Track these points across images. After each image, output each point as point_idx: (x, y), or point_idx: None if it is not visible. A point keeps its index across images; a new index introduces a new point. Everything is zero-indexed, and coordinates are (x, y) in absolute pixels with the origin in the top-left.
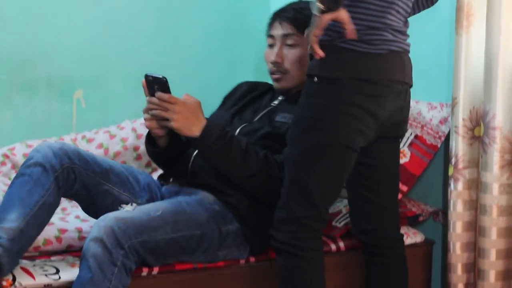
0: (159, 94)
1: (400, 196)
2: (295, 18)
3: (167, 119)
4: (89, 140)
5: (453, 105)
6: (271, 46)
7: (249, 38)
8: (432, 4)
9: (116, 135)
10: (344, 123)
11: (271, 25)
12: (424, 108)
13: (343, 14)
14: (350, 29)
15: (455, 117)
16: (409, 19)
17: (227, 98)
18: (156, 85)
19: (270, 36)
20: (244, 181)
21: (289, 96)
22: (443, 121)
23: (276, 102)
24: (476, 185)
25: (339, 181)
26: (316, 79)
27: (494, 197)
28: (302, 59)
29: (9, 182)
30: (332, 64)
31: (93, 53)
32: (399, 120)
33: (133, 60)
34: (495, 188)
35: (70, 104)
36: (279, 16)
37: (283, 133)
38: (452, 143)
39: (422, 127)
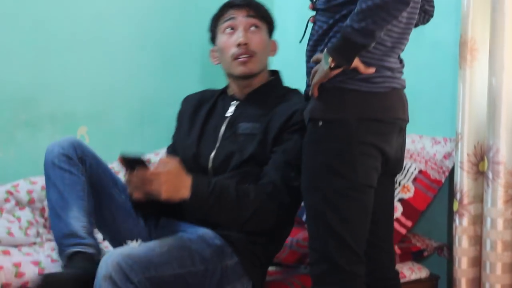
0: (140, 172)
1: (404, 231)
2: (254, 4)
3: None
4: None
5: (458, 140)
6: (231, 31)
7: None
8: (424, 23)
9: (120, 171)
10: (360, 162)
11: (227, 11)
12: (428, 143)
13: (354, 63)
14: (366, 72)
15: (459, 152)
16: (413, 53)
17: (180, 117)
18: (134, 163)
19: (230, 19)
20: (243, 226)
21: (243, 99)
22: (447, 156)
23: (231, 109)
24: (481, 221)
25: (366, 221)
26: (321, 123)
27: (498, 232)
28: (265, 44)
29: (13, 219)
30: (336, 105)
31: (96, 90)
32: (400, 157)
33: (136, 96)
34: (500, 223)
35: None
36: (235, 4)
37: (254, 152)
38: (457, 179)
39: (426, 162)
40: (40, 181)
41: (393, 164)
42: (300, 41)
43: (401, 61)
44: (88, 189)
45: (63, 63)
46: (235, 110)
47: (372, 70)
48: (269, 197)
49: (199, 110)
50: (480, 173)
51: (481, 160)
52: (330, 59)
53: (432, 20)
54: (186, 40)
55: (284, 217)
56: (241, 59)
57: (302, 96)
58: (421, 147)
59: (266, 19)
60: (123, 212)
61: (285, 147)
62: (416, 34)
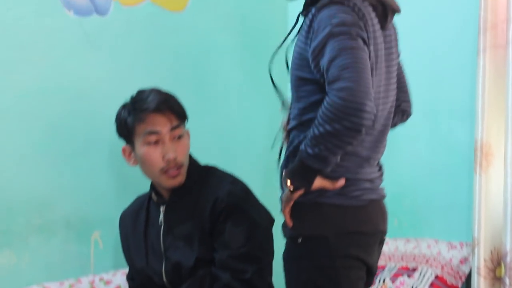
0: None
1: None
2: (176, 107)
3: None
4: (107, 282)
5: (474, 246)
6: (155, 144)
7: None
8: (403, 121)
9: None
10: (344, 277)
11: (148, 117)
12: (443, 247)
13: (318, 184)
14: (334, 188)
15: (476, 258)
16: (428, 156)
17: (124, 241)
18: None
19: (155, 133)
20: None
21: (168, 200)
22: (464, 260)
23: (162, 215)
24: None
25: None
26: (300, 239)
27: None
28: (189, 147)
29: None
30: (314, 221)
31: (110, 194)
32: (376, 269)
33: None
34: None
35: (87, 245)
36: (156, 109)
37: (199, 255)
38: (474, 284)
39: (442, 267)
40: (53, 287)
41: (371, 277)
42: (272, 147)
43: (380, 168)
44: None
45: (76, 168)
46: (165, 215)
47: (341, 182)
48: None
49: (137, 225)
50: (497, 279)
51: (498, 265)
52: (288, 182)
53: (447, 123)
54: (202, 150)
55: None
56: (170, 173)
57: (219, 175)
58: (437, 251)
59: (184, 117)
60: None
61: (223, 240)
62: (431, 138)
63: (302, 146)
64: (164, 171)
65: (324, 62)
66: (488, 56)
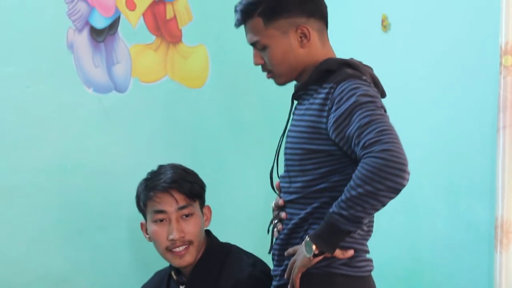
0: None
1: None
2: (186, 187)
3: None
4: None
5: None
6: (162, 222)
7: None
8: None
9: None
10: None
11: (156, 195)
12: None
13: (335, 253)
14: (344, 257)
15: None
16: (447, 233)
17: None
18: None
19: (161, 212)
20: None
21: (188, 279)
22: None
23: None
24: None
25: None
26: None
27: None
28: (200, 227)
29: None
30: None
31: (129, 270)
32: None
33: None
34: None
35: None
36: (164, 189)
37: None
38: None
39: None
40: None
41: None
42: (269, 252)
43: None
44: None
45: (94, 244)
46: None
47: (351, 252)
48: None
49: None
50: None
51: None
52: (314, 247)
53: (466, 200)
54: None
55: None
56: (176, 251)
57: (240, 256)
58: None
59: (197, 196)
60: None
61: None
62: (450, 214)
63: (335, 209)
64: (169, 249)
65: (352, 129)
66: (508, 133)
